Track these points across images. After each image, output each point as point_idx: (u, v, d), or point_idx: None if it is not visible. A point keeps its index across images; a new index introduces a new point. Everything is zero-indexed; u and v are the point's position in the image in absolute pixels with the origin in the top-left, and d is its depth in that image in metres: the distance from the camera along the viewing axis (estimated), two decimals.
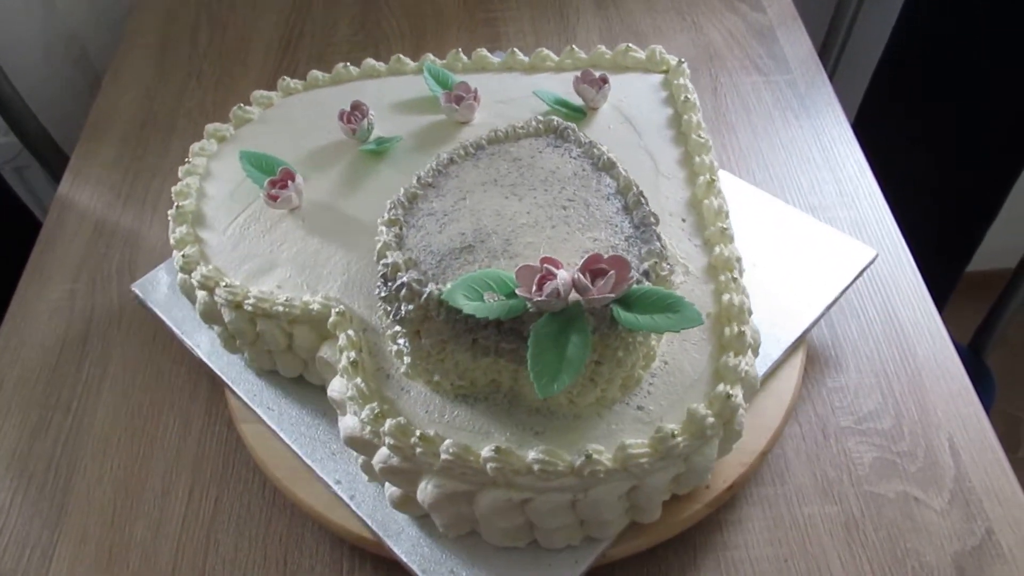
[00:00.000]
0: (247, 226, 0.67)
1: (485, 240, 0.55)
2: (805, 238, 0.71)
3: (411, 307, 0.51)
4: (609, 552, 0.56)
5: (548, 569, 0.53)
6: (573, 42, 1.03)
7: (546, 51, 0.79)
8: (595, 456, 0.48)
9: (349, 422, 0.54)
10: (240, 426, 0.64)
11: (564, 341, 0.47)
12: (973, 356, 1.18)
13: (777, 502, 0.62)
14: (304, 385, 0.64)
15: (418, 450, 0.50)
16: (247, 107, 0.78)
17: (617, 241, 0.55)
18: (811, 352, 0.71)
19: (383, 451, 0.52)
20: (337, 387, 0.56)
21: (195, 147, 0.74)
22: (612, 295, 0.48)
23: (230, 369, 0.66)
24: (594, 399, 0.52)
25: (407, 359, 0.55)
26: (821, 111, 0.94)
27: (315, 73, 0.80)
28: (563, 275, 0.48)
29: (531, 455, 0.49)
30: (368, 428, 0.52)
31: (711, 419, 0.50)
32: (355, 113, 0.71)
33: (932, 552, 0.60)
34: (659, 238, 0.53)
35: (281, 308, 0.59)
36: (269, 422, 0.62)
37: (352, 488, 0.58)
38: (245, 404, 0.64)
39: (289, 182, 0.66)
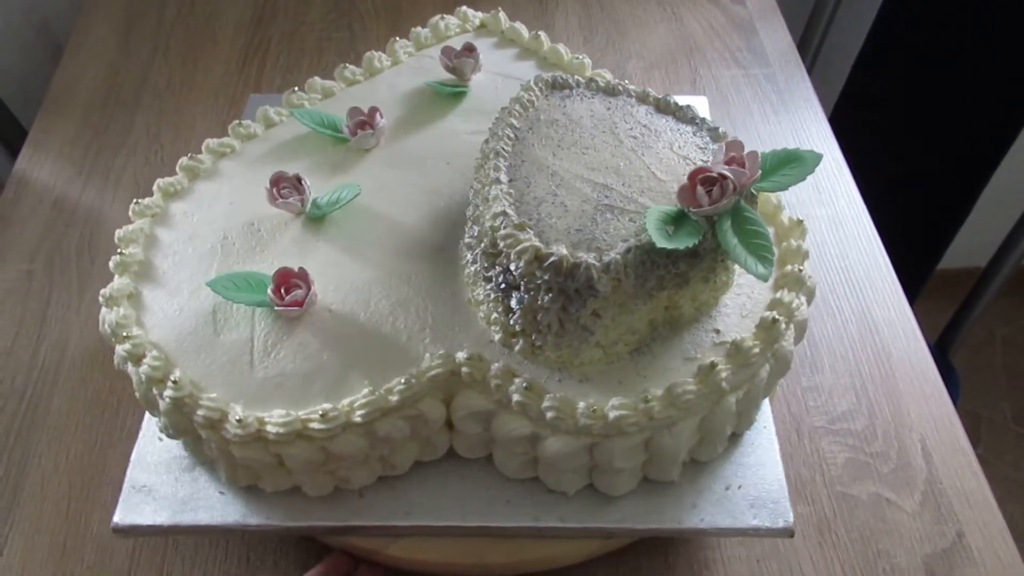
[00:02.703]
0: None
1: (608, 193, 0.53)
2: None
3: (600, 289, 0.49)
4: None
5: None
6: (551, 31, 1.02)
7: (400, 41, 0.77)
8: (720, 368, 0.50)
9: (558, 444, 0.50)
10: None
11: (743, 229, 0.49)
12: (939, 354, 1.18)
13: None
14: None
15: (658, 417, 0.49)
16: (199, 156, 0.67)
17: (699, 142, 0.57)
18: None
19: (617, 445, 0.50)
20: (513, 425, 0.52)
21: (138, 207, 0.63)
22: (756, 178, 0.50)
23: None
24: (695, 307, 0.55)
25: (574, 350, 0.52)
26: (799, 106, 0.93)
27: (267, 112, 0.71)
28: (719, 172, 0.49)
29: (685, 387, 0.50)
30: (579, 440, 0.50)
31: (779, 320, 0.53)
32: (281, 190, 0.61)
33: (903, 554, 0.59)
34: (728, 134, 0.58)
35: (398, 397, 0.50)
36: None
37: None
38: None
39: (298, 288, 0.55)
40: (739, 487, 0.55)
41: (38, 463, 0.64)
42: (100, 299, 0.56)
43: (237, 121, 0.69)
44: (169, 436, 0.55)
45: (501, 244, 0.50)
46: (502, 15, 0.78)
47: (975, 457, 0.64)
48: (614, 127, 0.58)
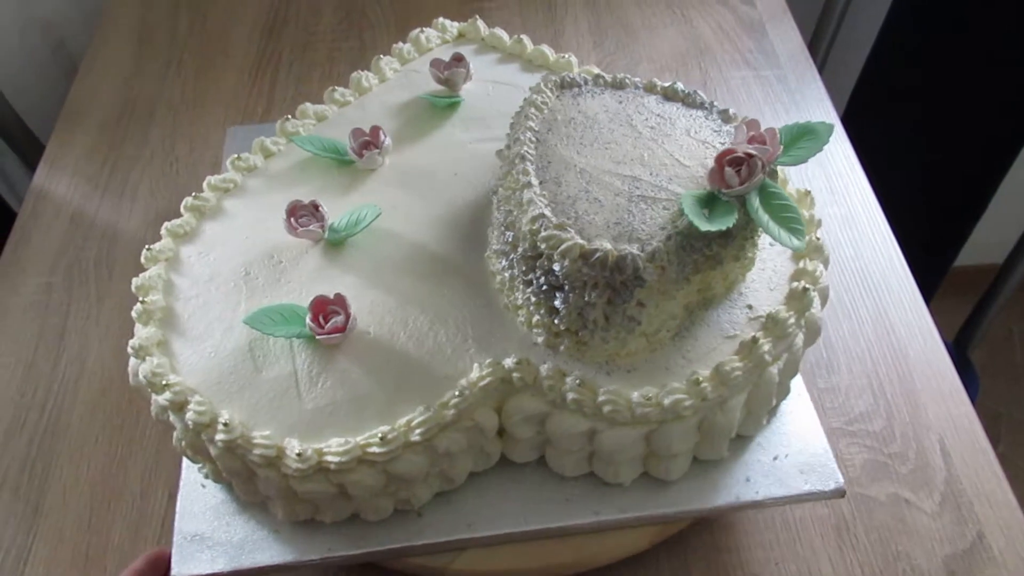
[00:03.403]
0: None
1: (638, 184, 0.54)
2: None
3: (647, 278, 0.49)
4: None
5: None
6: (561, 36, 1.02)
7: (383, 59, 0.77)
8: (762, 342, 0.52)
9: (616, 436, 0.51)
10: None
11: (771, 204, 0.50)
12: (958, 352, 1.18)
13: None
14: None
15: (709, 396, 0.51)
16: (202, 195, 0.65)
17: (712, 125, 0.58)
18: None
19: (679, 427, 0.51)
20: (570, 423, 0.52)
21: (150, 253, 0.61)
22: (779, 154, 0.52)
23: None
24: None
25: (621, 342, 0.53)
26: (811, 106, 0.93)
27: (263, 143, 0.69)
28: (745, 152, 0.51)
29: (732, 364, 0.51)
30: (637, 430, 0.51)
31: (809, 288, 0.54)
32: (300, 219, 0.61)
33: (923, 555, 0.59)
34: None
35: (454, 411, 0.51)
36: None
37: None
38: None
39: (337, 314, 0.55)
40: (786, 456, 0.56)
41: (60, 474, 0.65)
42: (129, 351, 0.55)
43: (235, 155, 0.68)
44: (216, 481, 0.55)
45: (542, 246, 0.50)
46: (480, 23, 0.78)
47: (995, 456, 0.64)
48: (630, 119, 0.59)
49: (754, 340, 0.52)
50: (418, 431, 0.50)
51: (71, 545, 0.61)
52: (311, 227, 0.60)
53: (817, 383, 0.68)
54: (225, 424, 0.50)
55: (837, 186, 0.84)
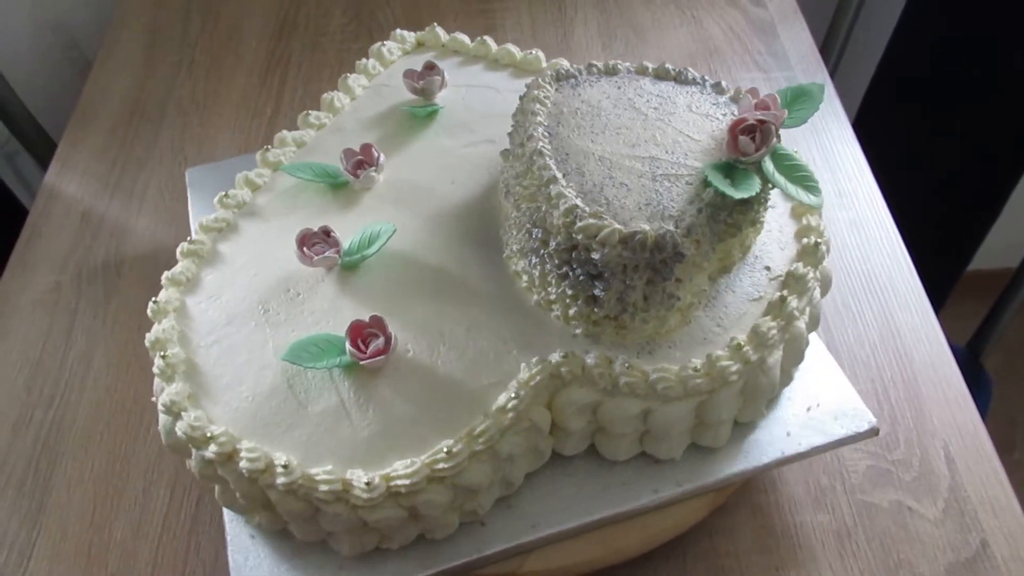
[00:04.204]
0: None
1: (657, 164, 0.55)
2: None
3: (686, 253, 0.51)
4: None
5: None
6: (571, 36, 1.02)
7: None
8: (789, 298, 0.55)
9: (671, 411, 0.53)
10: None
11: (784, 166, 0.53)
12: (971, 357, 1.16)
13: (769, 510, 0.61)
14: None
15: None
16: (197, 239, 0.63)
17: (710, 99, 0.60)
18: None
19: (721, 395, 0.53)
20: (625, 407, 0.52)
21: (157, 306, 0.58)
22: (785, 117, 0.54)
23: None
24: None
25: (661, 321, 0.55)
26: (821, 109, 0.92)
27: (248, 177, 0.67)
28: (756, 119, 0.53)
29: (767, 324, 0.54)
30: (690, 402, 0.53)
31: (819, 242, 0.58)
32: (313, 247, 0.59)
33: (926, 563, 0.59)
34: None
35: (513, 413, 0.51)
36: None
37: None
38: None
39: (375, 337, 0.54)
40: (817, 406, 0.58)
41: (64, 471, 0.66)
42: (160, 408, 0.53)
43: (223, 192, 0.65)
44: (268, 530, 0.54)
45: (579, 237, 0.51)
46: (439, 30, 0.78)
47: (1000, 464, 0.63)
48: (632, 103, 0.60)
49: (782, 299, 0.54)
50: (481, 440, 0.49)
51: (74, 541, 0.62)
52: (326, 253, 0.58)
53: None
54: (284, 466, 0.48)
55: (846, 189, 0.84)
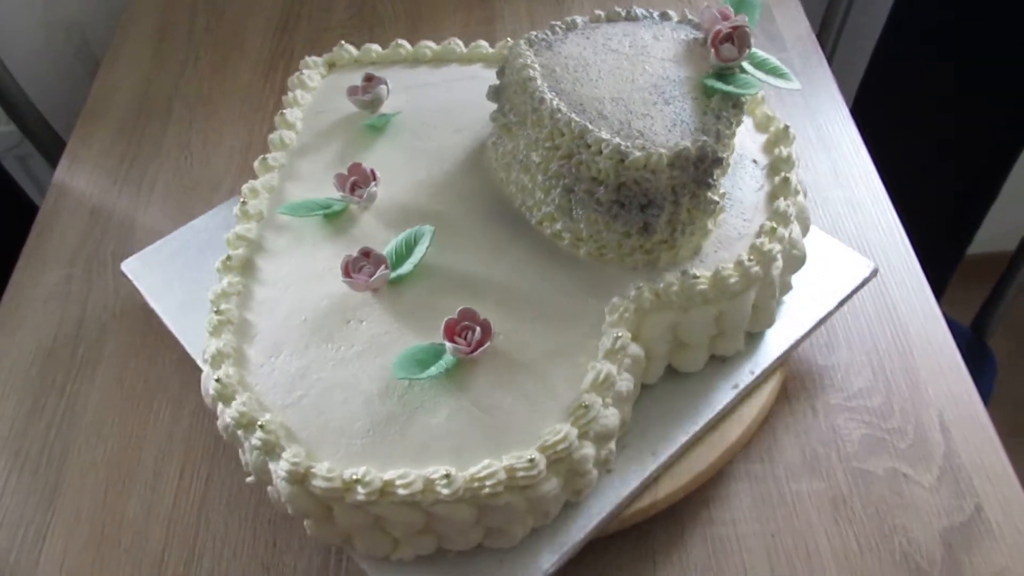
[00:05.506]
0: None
1: (660, 92, 0.59)
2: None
3: (724, 156, 0.57)
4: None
5: None
6: None
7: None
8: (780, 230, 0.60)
9: (744, 303, 0.58)
10: None
11: (758, 63, 0.62)
12: (975, 337, 1.17)
13: (765, 478, 0.62)
14: None
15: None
16: (231, 282, 0.61)
17: (668, 26, 0.66)
18: None
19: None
20: (705, 313, 0.57)
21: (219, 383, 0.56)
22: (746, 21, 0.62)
23: None
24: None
25: (704, 231, 0.60)
26: (817, 91, 0.93)
27: (238, 234, 0.64)
28: (731, 26, 0.60)
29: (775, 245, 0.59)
30: (753, 291, 0.58)
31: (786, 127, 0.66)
32: (362, 271, 0.58)
33: (920, 528, 0.59)
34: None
35: (620, 346, 0.54)
36: None
37: None
38: None
39: (469, 330, 0.55)
40: (819, 274, 0.66)
41: (77, 456, 0.68)
42: (284, 479, 0.50)
43: (225, 256, 0.63)
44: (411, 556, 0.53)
45: (629, 172, 0.54)
46: (348, 47, 0.80)
47: (995, 432, 0.64)
48: (608, 47, 0.64)
49: (785, 180, 0.62)
50: (604, 385, 0.53)
51: (88, 522, 0.64)
52: (378, 273, 0.58)
53: (817, 360, 0.69)
54: (446, 476, 0.48)
55: (842, 168, 0.84)
